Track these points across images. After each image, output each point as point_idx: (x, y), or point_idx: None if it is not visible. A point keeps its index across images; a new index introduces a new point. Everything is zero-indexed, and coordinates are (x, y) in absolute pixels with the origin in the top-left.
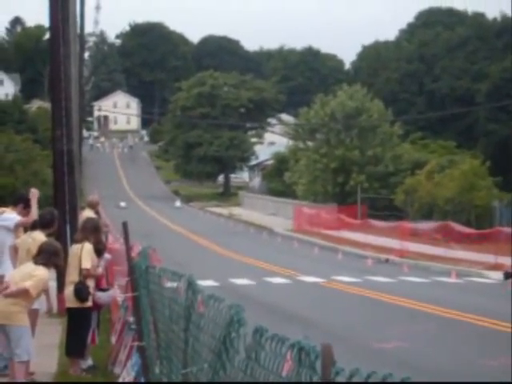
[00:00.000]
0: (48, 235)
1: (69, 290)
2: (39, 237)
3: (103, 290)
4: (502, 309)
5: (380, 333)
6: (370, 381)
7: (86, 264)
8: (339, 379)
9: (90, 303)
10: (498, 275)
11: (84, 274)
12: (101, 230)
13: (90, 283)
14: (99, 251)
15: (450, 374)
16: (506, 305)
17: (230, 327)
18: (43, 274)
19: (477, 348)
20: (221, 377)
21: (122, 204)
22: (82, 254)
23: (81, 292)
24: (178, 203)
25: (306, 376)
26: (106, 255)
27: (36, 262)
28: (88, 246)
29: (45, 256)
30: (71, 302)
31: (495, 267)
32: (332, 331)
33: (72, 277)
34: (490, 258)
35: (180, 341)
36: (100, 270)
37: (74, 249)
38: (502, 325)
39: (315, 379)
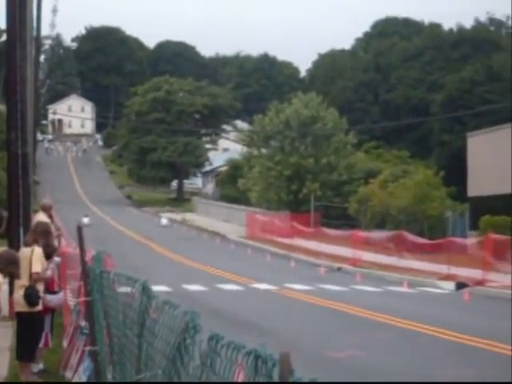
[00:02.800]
0: None
1: (18, 294)
2: None
3: (53, 293)
4: (454, 319)
5: (333, 341)
6: None
7: (37, 268)
8: None
9: (39, 307)
10: (450, 285)
11: (34, 278)
12: (51, 234)
13: (40, 287)
14: (48, 255)
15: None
16: (458, 315)
17: (185, 333)
18: None
19: (430, 358)
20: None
21: (85, 220)
22: (32, 258)
23: (31, 296)
24: (164, 221)
25: None
26: (56, 258)
27: None
28: (38, 250)
29: (2, 263)
30: (21, 305)
31: (447, 277)
32: (284, 339)
33: (22, 281)
34: (442, 269)
35: (134, 346)
36: (49, 273)
37: (24, 252)
38: (455, 335)
39: None
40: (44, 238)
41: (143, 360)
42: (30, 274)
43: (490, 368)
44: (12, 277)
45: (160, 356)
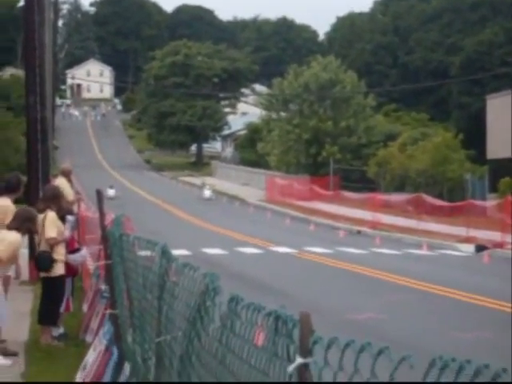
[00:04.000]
0: (15, 201)
1: None
2: (5, 202)
3: (75, 251)
4: (474, 282)
5: (352, 304)
6: (348, 350)
7: (51, 233)
8: (317, 348)
9: (60, 271)
10: (469, 248)
11: (51, 243)
12: (61, 197)
13: (61, 249)
14: (62, 217)
15: (423, 345)
16: (478, 277)
17: (205, 295)
18: (15, 238)
19: (450, 320)
20: (195, 345)
21: (111, 192)
22: (46, 224)
23: (41, 262)
24: (207, 192)
25: (282, 345)
26: (69, 217)
27: (9, 227)
28: (51, 214)
29: (18, 221)
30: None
31: (467, 240)
32: (304, 301)
33: (42, 247)
34: (461, 231)
35: (153, 309)
36: (67, 233)
37: (39, 219)
38: (474, 298)
39: (292, 348)
40: (54, 201)
41: (163, 323)
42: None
43: (507, 330)
44: (31, 233)
45: (180, 318)
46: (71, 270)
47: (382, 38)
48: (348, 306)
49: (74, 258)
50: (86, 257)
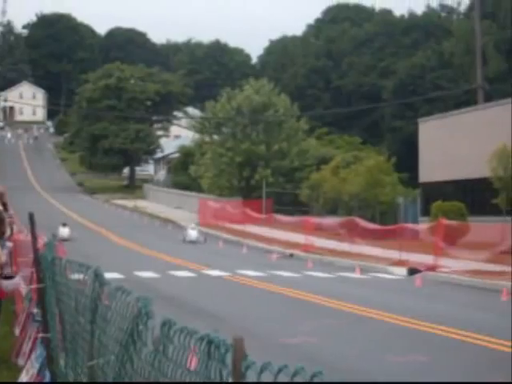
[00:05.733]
0: None
1: None
2: None
3: (8, 278)
4: (406, 305)
5: (285, 327)
6: (282, 375)
7: None
8: (250, 373)
9: None
10: (402, 271)
11: None
12: (4, 221)
13: None
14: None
15: (357, 369)
16: (410, 301)
17: (137, 319)
18: None
19: (383, 344)
20: (128, 369)
21: (64, 232)
22: None
23: None
24: (192, 233)
25: (215, 369)
26: (8, 243)
27: None
28: None
29: None
30: None
31: (399, 263)
32: (237, 325)
33: None
34: (394, 254)
35: (86, 333)
36: (4, 258)
37: None
38: (407, 320)
39: (225, 373)
40: None
41: (96, 346)
42: None
43: (441, 353)
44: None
45: (113, 342)
46: (4, 293)
47: (314, 62)
48: (281, 330)
49: (7, 284)
50: (20, 285)
